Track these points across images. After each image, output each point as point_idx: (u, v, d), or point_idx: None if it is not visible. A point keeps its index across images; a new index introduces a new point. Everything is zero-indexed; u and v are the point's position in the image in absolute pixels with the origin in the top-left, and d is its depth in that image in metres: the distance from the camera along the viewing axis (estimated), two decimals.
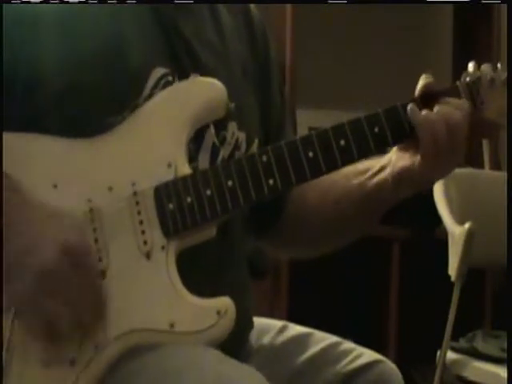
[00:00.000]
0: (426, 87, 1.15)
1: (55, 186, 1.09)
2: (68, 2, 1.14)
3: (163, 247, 1.07)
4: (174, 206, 1.08)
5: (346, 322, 2.76)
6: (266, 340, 1.27)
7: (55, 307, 1.00)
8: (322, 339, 1.27)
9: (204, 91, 1.13)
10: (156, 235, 1.07)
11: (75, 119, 1.09)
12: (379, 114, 1.13)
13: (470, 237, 2.16)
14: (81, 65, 1.10)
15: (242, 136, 1.21)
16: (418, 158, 1.13)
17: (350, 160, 1.13)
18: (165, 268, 1.07)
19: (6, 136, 1.07)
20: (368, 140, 1.12)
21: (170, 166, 1.09)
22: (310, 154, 1.10)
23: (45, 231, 1.02)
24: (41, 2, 1.13)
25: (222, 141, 1.19)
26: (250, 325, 1.27)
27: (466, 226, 2.18)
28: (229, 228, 1.17)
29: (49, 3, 1.13)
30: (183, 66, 1.16)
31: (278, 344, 1.27)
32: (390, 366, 1.25)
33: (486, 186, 2.49)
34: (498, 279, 3.29)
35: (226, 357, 1.03)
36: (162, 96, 1.13)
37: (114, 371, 1.03)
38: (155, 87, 1.13)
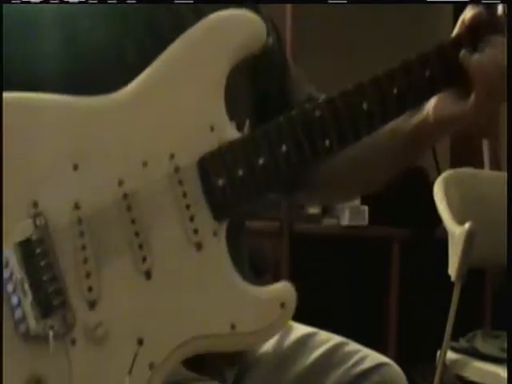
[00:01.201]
0: (472, 23, 1.06)
1: (76, 167, 0.92)
2: (68, 2, 1.14)
3: (215, 233, 0.93)
4: (225, 181, 0.93)
5: (346, 322, 2.75)
6: (270, 344, 1.26)
7: None
8: (326, 340, 1.26)
9: (240, 25, 0.97)
10: (206, 220, 0.92)
11: None
12: (429, 55, 1.04)
13: (470, 237, 2.16)
14: (78, 65, 1.10)
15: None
16: (466, 104, 1.05)
17: (405, 108, 1.04)
18: (219, 258, 0.93)
19: (7, 99, 0.91)
20: (422, 85, 1.03)
21: (212, 129, 0.94)
22: (365, 106, 0.99)
23: None
24: (41, 2, 1.13)
25: None
26: None
27: (466, 226, 2.17)
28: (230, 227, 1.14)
29: (49, 3, 1.13)
30: None
31: (283, 348, 1.26)
32: (395, 370, 1.24)
33: (486, 186, 2.49)
34: (498, 279, 3.29)
35: None
36: (189, 36, 0.97)
37: None
38: None
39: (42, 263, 0.90)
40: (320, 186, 1.24)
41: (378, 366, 1.22)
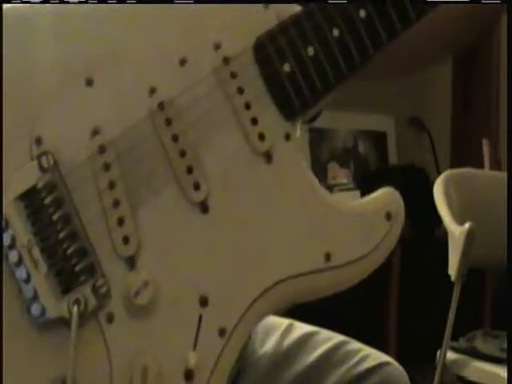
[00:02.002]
0: None
1: (90, 83, 0.71)
2: (68, 2, 1.13)
3: (287, 136, 0.71)
4: (292, 64, 0.72)
5: (345, 321, 2.75)
6: (270, 343, 1.26)
7: None
8: (328, 339, 1.26)
9: None
10: (274, 120, 0.71)
11: None
12: None
13: (470, 237, 2.16)
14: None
15: None
16: None
17: None
18: (298, 170, 0.71)
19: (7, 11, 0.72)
20: None
21: (266, 6, 0.73)
22: None
23: None
24: (41, 2, 1.12)
25: None
26: None
27: (466, 226, 2.17)
28: None
29: (49, 3, 1.13)
30: None
31: (282, 349, 1.25)
32: (397, 369, 1.23)
33: (486, 186, 2.49)
34: (498, 279, 3.29)
35: None
36: None
37: None
38: None
39: (55, 217, 0.68)
40: None
41: (380, 366, 1.22)
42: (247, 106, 0.70)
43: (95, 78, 0.70)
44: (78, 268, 0.67)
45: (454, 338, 2.30)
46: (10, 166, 0.68)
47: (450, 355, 2.28)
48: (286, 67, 0.71)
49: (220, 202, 0.69)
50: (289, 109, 0.72)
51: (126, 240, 0.68)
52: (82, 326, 0.65)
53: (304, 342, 1.24)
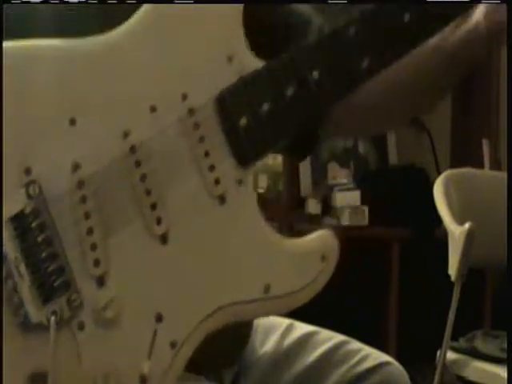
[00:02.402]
0: None
1: (73, 122, 0.79)
2: (68, 2, 1.14)
3: (240, 182, 0.81)
4: (248, 119, 0.80)
5: (345, 321, 2.75)
6: (271, 343, 1.26)
7: None
8: (328, 339, 1.26)
9: None
10: (229, 168, 0.80)
11: None
12: None
13: (470, 237, 2.16)
14: None
15: None
16: None
17: (454, 15, 0.89)
18: (247, 211, 0.81)
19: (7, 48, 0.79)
20: None
21: (230, 59, 0.80)
22: (406, 17, 0.85)
23: None
24: (41, 2, 1.13)
25: None
26: (250, 325, 1.27)
27: (466, 226, 2.17)
28: None
29: (49, 3, 1.13)
30: None
31: (282, 349, 1.25)
32: (397, 369, 1.23)
33: (486, 186, 2.49)
34: (498, 279, 3.29)
35: None
36: None
37: None
38: None
39: (39, 239, 0.78)
40: (357, 110, 1.05)
41: (381, 365, 1.22)
42: (206, 154, 0.79)
43: (78, 119, 0.79)
44: (56, 283, 0.78)
45: (454, 337, 2.30)
46: (4, 190, 0.78)
47: (450, 355, 2.28)
48: (243, 121, 0.80)
49: (178, 235, 0.79)
50: (244, 158, 0.81)
51: (97, 262, 0.79)
52: (58, 330, 0.77)
53: (304, 341, 1.24)
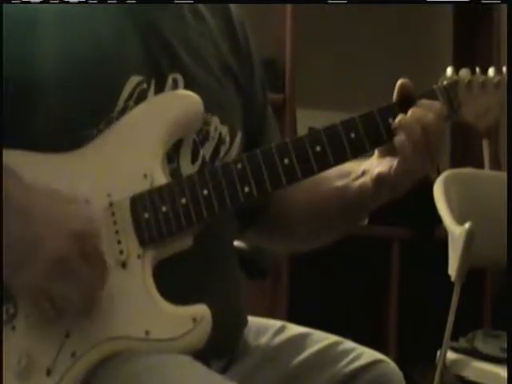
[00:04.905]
0: (403, 92, 1.16)
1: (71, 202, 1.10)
2: (68, 2, 1.14)
3: (139, 256, 1.09)
4: (150, 215, 1.09)
5: (346, 321, 2.76)
6: (263, 340, 1.27)
7: (62, 290, 1.03)
8: (321, 339, 1.27)
9: (180, 104, 1.14)
10: (132, 245, 1.09)
11: (49, 134, 1.10)
12: (355, 120, 1.13)
13: (470, 237, 2.16)
14: (78, 65, 1.10)
15: (224, 130, 1.22)
16: (395, 162, 1.13)
17: (326, 166, 1.13)
18: (141, 277, 1.08)
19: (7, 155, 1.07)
20: (344, 146, 1.12)
21: (145, 176, 1.11)
22: (286, 161, 1.11)
23: (53, 219, 1.03)
24: (41, 2, 1.13)
25: (206, 136, 1.19)
26: (244, 321, 1.27)
27: (466, 226, 2.17)
28: (215, 225, 1.16)
29: (49, 3, 1.13)
30: (161, 68, 1.16)
31: (274, 344, 1.27)
32: (391, 366, 1.25)
33: (486, 186, 2.49)
34: (498, 279, 3.29)
35: (211, 372, 1.06)
36: (138, 110, 1.13)
37: (93, 379, 1.05)
38: (130, 98, 1.13)
39: None
40: (273, 227, 1.34)
41: (374, 363, 1.23)
42: (116, 232, 1.10)
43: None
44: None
45: (454, 337, 2.30)
46: None
47: (450, 355, 2.28)
48: (146, 215, 1.10)
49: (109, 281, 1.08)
50: (143, 240, 1.10)
51: None
52: (5, 327, 1.08)
53: (296, 341, 1.26)
